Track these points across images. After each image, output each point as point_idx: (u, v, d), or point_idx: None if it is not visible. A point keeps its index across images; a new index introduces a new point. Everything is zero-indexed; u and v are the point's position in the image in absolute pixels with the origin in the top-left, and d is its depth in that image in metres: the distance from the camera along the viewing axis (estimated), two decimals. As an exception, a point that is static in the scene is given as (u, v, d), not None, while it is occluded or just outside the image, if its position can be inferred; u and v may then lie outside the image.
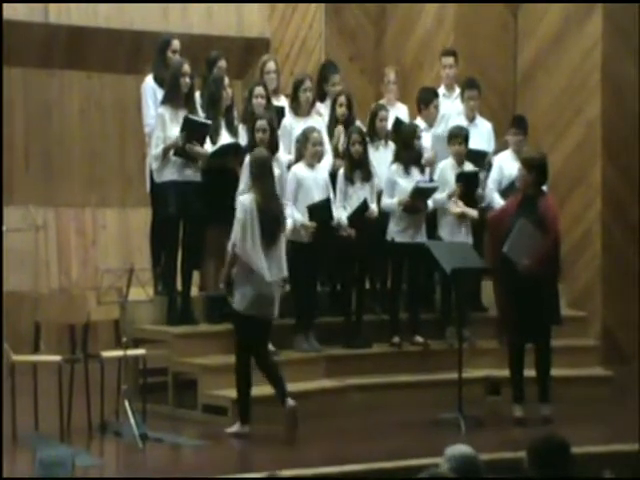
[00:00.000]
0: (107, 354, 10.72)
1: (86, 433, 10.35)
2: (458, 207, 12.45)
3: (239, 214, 10.39)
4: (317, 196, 11.94)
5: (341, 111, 12.69)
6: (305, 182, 11.96)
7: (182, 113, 11.80)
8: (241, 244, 10.34)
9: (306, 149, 11.99)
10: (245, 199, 10.44)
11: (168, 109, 11.88)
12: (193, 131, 11.71)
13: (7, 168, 13.93)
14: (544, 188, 11.57)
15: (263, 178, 10.56)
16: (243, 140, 12.07)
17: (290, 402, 10.37)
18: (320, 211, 11.86)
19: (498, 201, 12.71)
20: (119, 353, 10.68)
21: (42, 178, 14.26)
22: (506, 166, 12.91)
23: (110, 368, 10.69)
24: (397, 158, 12.51)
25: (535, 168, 11.31)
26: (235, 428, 10.51)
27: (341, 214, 12.23)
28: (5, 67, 14.03)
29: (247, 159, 11.11)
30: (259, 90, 12.25)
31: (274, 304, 10.53)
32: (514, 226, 10.95)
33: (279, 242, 10.54)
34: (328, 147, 12.51)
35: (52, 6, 14.36)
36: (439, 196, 12.45)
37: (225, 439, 10.58)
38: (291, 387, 11.34)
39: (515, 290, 11.13)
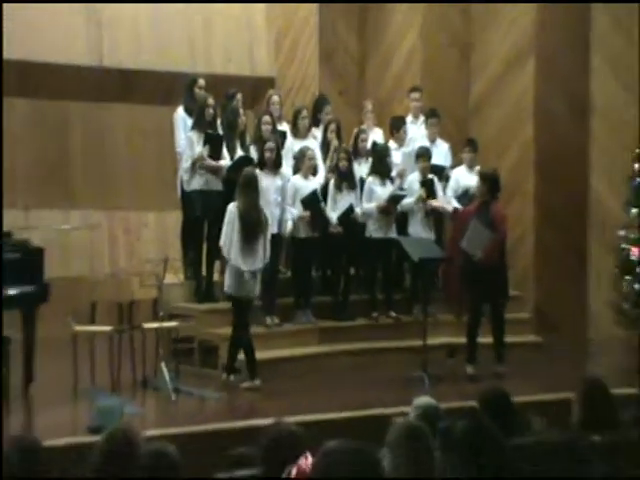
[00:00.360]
0: (147, 326, 10.73)
1: (131, 387, 10.31)
2: (437, 202, 12.47)
3: (225, 218, 10.52)
4: (309, 199, 12.02)
5: (331, 135, 12.67)
6: (301, 190, 11.90)
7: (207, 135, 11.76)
8: (222, 241, 10.51)
9: (303, 164, 12.00)
10: (231, 206, 10.51)
11: (195, 133, 11.79)
12: (212, 144, 11.64)
13: (69, 181, 13.92)
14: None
15: (247, 191, 10.53)
16: (254, 157, 12.00)
17: (257, 382, 10.55)
18: (311, 201, 11.81)
19: (455, 204, 12.67)
20: (156, 325, 10.75)
21: (97, 188, 14.10)
22: (461, 178, 12.94)
23: (149, 337, 10.73)
24: (373, 171, 12.42)
25: (488, 180, 11.36)
26: (247, 384, 10.49)
27: (332, 215, 12.15)
28: (67, 101, 14.03)
29: None
30: (266, 118, 12.17)
31: (251, 287, 10.53)
32: (470, 227, 11.02)
33: (257, 240, 10.49)
34: (320, 162, 12.50)
35: (105, 53, 14.22)
36: (407, 201, 12.36)
37: (240, 392, 10.49)
38: (291, 351, 11.66)
39: (472, 274, 11.11)
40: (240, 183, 10.65)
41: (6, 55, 13.22)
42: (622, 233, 12.99)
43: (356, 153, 12.58)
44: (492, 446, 4.60)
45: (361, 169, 12.53)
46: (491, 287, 11.20)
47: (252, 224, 10.44)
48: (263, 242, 10.56)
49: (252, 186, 10.58)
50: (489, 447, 4.58)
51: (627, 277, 12.84)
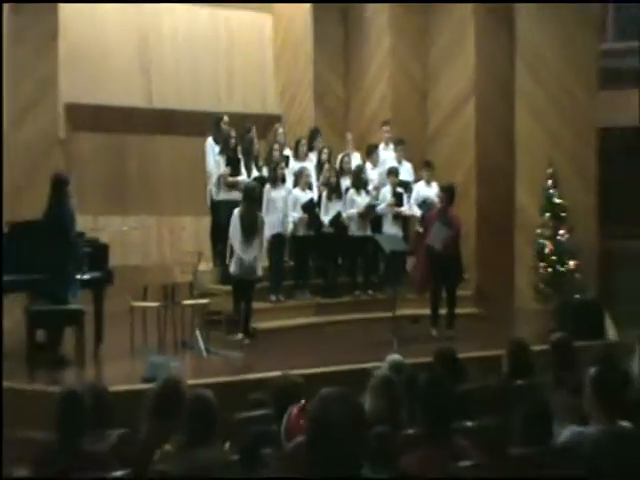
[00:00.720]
0: (185, 302, 10.64)
1: (173, 348, 10.23)
2: (403, 209, 12.58)
3: (232, 221, 10.59)
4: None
5: (324, 157, 12.80)
6: (300, 199, 11.97)
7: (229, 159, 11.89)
8: (231, 237, 10.57)
9: (301, 180, 12.06)
10: (235, 211, 10.60)
11: (221, 157, 11.87)
12: (233, 165, 11.80)
13: (127, 194, 13.84)
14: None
15: (249, 200, 10.64)
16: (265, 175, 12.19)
17: (246, 341, 10.66)
18: (308, 207, 11.96)
19: (416, 210, 12.75)
20: (192, 301, 10.72)
21: (147, 199, 14.03)
22: (421, 190, 12.96)
23: (187, 311, 10.64)
24: (353, 185, 12.49)
25: (448, 191, 11.42)
26: (239, 337, 10.68)
27: (324, 219, 12.19)
28: (125, 134, 13.98)
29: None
30: (275, 146, 12.30)
31: (251, 271, 10.58)
32: (434, 227, 11.15)
33: (255, 238, 10.59)
34: (314, 179, 12.54)
35: (154, 97, 14.28)
36: (382, 207, 12.46)
37: (255, 351, 10.50)
38: (293, 321, 11.65)
39: (436, 261, 11.15)
40: (243, 194, 10.76)
41: (79, 100, 13.32)
42: (539, 231, 13.10)
43: (342, 172, 12.62)
44: (445, 391, 4.64)
45: (346, 183, 12.53)
46: (449, 271, 11.24)
47: (249, 225, 10.48)
48: (259, 238, 10.62)
49: (251, 197, 10.66)
50: (443, 392, 4.62)
51: (542, 264, 12.95)
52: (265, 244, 11.22)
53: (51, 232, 9.41)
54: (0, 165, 10.25)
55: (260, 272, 10.75)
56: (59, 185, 9.54)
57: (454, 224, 11.31)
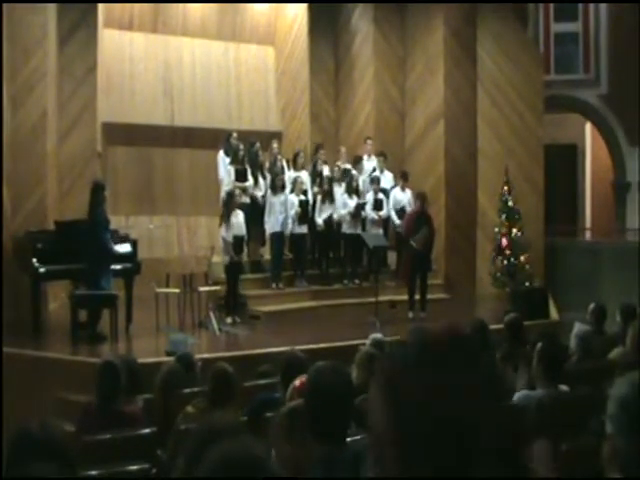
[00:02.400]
0: (202, 289, 10.56)
1: (191, 327, 10.18)
2: (382, 212, 12.42)
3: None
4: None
5: (321, 167, 12.63)
6: (294, 203, 11.77)
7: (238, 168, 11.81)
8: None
9: (296, 187, 11.87)
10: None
11: (231, 167, 11.77)
12: (240, 174, 11.70)
13: (153, 198, 13.77)
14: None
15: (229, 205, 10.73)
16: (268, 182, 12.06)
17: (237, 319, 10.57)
18: (305, 210, 11.84)
19: (395, 217, 12.66)
20: (207, 288, 10.64)
21: (170, 202, 14.00)
22: (397, 195, 12.85)
23: (202, 296, 10.56)
24: (346, 190, 12.29)
25: (421, 197, 11.48)
26: (230, 320, 10.52)
27: (318, 219, 12.15)
28: (151, 148, 13.93)
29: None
30: (274, 159, 12.25)
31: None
32: (420, 228, 11.16)
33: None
34: (309, 186, 12.33)
35: (175, 116, 14.19)
36: (368, 210, 12.34)
37: (260, 329, 10.50)
38: (292, 305, 11.55)
39: (413, 255, 11.15)
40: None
41: (113, 119, 13.34)
42: (496, 230, 13.11)
43: (334, 180, 12.41)
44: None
45: (337, 190, 12.33)
46: (423, 263, 11.24)
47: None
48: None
49: (233, 204, 10.67)
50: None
51: (499, 257, 12.99)
52: (268, 241, 11.17)
53: (90, 230, 9.47)
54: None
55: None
56: (97, 190, 9.58)
57: (430, 224, 11.34)
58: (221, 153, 12.23)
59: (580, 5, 16.60)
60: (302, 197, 11.85)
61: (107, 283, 9.42)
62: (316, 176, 12.47)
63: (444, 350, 1.34)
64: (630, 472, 1.63)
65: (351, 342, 8.30)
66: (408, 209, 12.31)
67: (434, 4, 14.08)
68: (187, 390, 5.72)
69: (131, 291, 10.07)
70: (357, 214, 12.14)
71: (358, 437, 3.21)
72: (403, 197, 12.77)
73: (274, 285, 11.70)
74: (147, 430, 4.87)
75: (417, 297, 11.33)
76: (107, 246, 9.48)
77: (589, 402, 4.47)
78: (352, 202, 12.12)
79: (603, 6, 16.32)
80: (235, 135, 12.28)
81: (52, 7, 11.39)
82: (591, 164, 17.57)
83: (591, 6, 16.48)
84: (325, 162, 12.74)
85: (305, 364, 4.77)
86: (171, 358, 6.84)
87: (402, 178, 12.95)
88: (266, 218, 11.70)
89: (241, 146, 11.88)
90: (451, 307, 12.13)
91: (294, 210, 11.70)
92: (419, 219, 11.25)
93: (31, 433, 2.45)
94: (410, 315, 11.16)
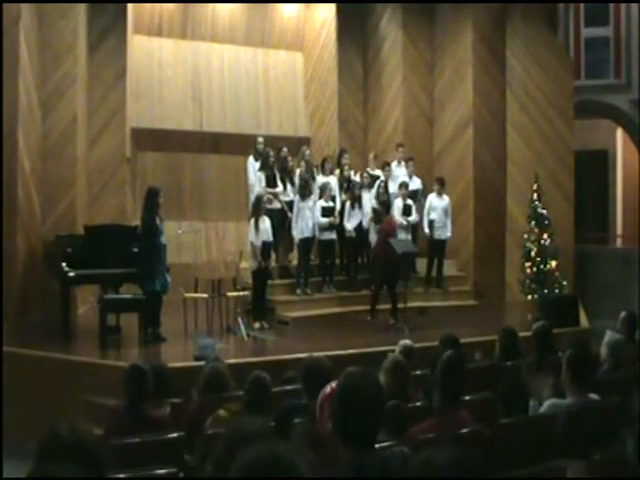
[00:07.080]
0: (230, 294, 10.56)
1: (219, 332, 10.17)
2: (412, 217, 12.48)
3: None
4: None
5: (348, 173, 12.58)
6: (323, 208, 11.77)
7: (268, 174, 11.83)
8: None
9: (325, 193, 11.82)
10: (251, 222, 10.66)
11: (261, 173, 11.80)
12: (270, 179, 11.72)
13: (182, 203, 13.74)
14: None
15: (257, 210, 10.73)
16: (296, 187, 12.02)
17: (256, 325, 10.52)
18: (328, 211, 11.75)
19: (425, 220, 12.75)
20: (235, 293, 10.63)
21: (199, 207, 14.01)
22: (433, 201, 12.87)
23: (231, 301, 10.57)
24: (378, 200, 12.14)
25: None
26: (257, 325, 10.52)
27: (347, 225, 12.10)
28: (180, 153, 13.95)
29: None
30: (303, 165, 12.17)
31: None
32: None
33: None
34: (337, 192, 12.28)
35: (204, 122, 14.18)
36: (397, 215, 12.30)
37: (287, 334, 10.47)
38: (321, 311, 11.51)
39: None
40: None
41: (142, 125, 13.43)
42: (526, 236, 12.99)
43: (362, 186, 12.37)
44: (461, 368, 4.60)
45: (366, 196, 12.29)
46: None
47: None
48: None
49: (260, 207, 10.67)
50: (460, 369, 4.57)
51: (528, 264, 12.88)
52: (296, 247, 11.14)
53: (142, 235, 9.56)
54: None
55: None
56: (149, 196, 9.67)
57: None
58: (251, 159, 12.26)
59: (611, 10, 16.50)
60: (330, 203, 11.82)
61: (151, 285, 9.43)
62: (344, 182, 12.44)
63: None
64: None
65: (379, 348, 8.28)
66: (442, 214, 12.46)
67: (463, 9, 14.05)
68: (226, 394, 5.70)
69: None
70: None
71: (386, 444, 3.20)
72: (440, 203, 12.74)
73: (298, 291, 11.65)
74: (175, 434, 4.88)
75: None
76: (146, 251, 9.50)
77: (619, 411, 4.42)
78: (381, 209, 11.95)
79: (634, 11, 16.20)
80: (261, 140, 12.32)
81: (83, 14, 11.53)
82: (622, 170, 17.43)
83: (622, 11, 16.37)
84: (350, 167, 12.72)
85: (326, 370, 4.75)
86: (200, 363, 6.86)
87: (438, 183, 12.94)
88: (294, 224, 11.69)
89: (271, 152, 11.90)
90: (480, 314, 12.07)
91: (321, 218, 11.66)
92: None
93: (60, 435, 2.46)
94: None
